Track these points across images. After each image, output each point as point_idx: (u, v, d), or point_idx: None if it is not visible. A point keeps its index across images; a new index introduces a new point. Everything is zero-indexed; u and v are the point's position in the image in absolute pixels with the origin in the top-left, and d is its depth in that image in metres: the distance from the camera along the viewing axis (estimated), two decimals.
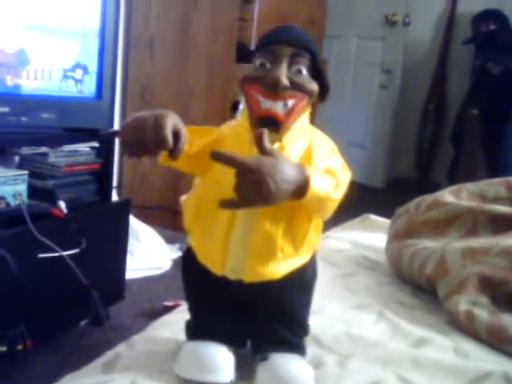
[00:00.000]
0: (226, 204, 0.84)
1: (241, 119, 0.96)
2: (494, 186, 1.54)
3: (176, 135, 0.85)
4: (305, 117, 0.96)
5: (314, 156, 0.93)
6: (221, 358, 0.96)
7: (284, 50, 0.91)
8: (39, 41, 1.75)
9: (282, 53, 0.91)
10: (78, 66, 1.86)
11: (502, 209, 1.46)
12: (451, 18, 4.85)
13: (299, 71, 0.91)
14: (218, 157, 0.85)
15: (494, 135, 4.04)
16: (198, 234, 0.99)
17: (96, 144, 1.95)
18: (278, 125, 0.90)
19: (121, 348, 1.07)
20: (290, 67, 0.91)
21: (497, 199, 1.50)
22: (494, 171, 3.64)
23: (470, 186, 1.57)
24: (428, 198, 1.58)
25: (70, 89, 1.85)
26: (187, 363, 0.97)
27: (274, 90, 0.89)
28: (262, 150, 0.84)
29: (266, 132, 0.85)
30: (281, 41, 0.92)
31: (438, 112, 4.89)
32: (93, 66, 1.90)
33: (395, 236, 1.59)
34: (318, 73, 0.94)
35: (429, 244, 1.46)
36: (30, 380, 1.63)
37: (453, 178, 4.10)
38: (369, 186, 4.98)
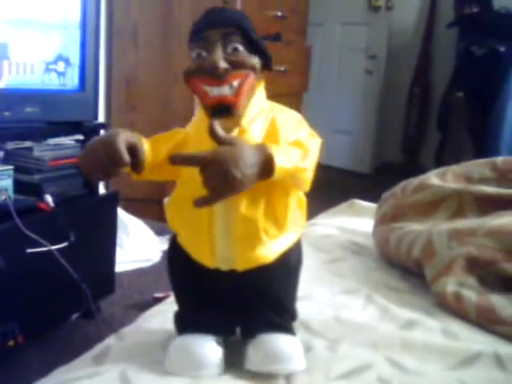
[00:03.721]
0: (200, 202, 0.84)
1: (198, 113, 0.96)
2: (478, 166, 1.55)
3: (132, 149, 0.86)
4: (260, 94, 0.96)
5: (280, 132, 0.93)
6: (209, 353, 0.96)
7: (214, 33, 0.90)
8: (20, 35, 1.73)
9: (213, 37, 0.90)
10: (60, 58, 1.84)
11: (488, 189, 1.46)
12: (434, 0, 4.84)
13: (235, 49, 0.91)
14: (176, 160, 0.86)
15: (480, 117, 4.05)
16: (183, 233, 0.99)
17: (81, 137, 1.94)
18: (229, 109, 0.90)
19: (110, 340, 1.07)
20: (225, 48, 0.90)
21: (482, 180, 1.51)
22: (481, 153, 3.65)
23: (456, 168, 1.58)
24: (414, 181, 1.58)
25: (52, 82, 1.84)
26: (176, 359, 0.97)
27: (215, 75, 0.89)
28: (218, 141, 0.84)
29: (216, 122, 0.84)
30: (209, 25, 0.91)
31: (424, 96, 4.90)
32: (75, 59, 1.88)
33: (382, 220, 1.59)
34: (255, 46, 0.93)
35: (415, 227, 1.46)
36: (23, 376, 1.62)
37: (440, 162, 4.11)
38: (356, 171, 4.99)
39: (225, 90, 0.89)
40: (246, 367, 0.96)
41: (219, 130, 0.84)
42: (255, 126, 0.93)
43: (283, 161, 0.85)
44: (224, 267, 0.96)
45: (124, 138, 0.85)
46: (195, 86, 0.91)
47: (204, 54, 0.91)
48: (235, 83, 0.90)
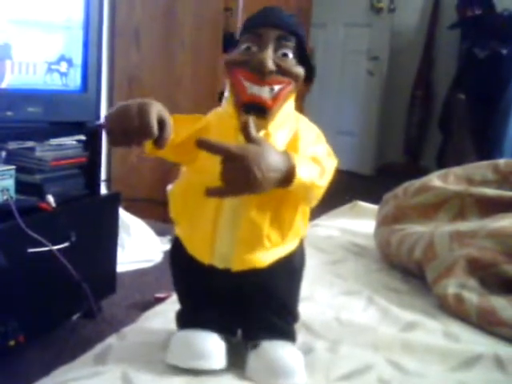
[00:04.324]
0: (212, 192, 0.84)
1: (226, 106, 0.96)
2: (480, 169, 1.55)
3: (161, 124, 0.84)
4: (290, 103, 0.96)
5: (300, 143, 0.93)
6: (212, 345, 0.96)
7: (270, 33, 0.90)
8: (23, 35, 1.73)
9: (269, 36, 0.90)
10: (62, 58, 1.85)
11: (489, 192, 1.47)
12: (436, 2, 4.85)
13: (285, 55, 0.91)
14: (203, 144, 0.84)
15: (481, 119, 4.05)
16: (185, 223, 0.99)
17: (83, 137, 1.94)
18: (264, 110, 0.90)
19: (112, 340, 1.07)
20: (275, 51, 0.90)
21: (484, 182, 1.51)
22: (483, 155, 3.65)
23: (457, 170, 1.58)
24: (415, 183, 1.58)
25: (55, 82, 1.84)
26: (178, 351, 0.97)
27: (260, 73, 0.89)
28: (248, 138, 0.84)
29: (251, 120, 0.84)
30: (267, 23, 0.91)
31: (426, 97, 4.90)
32: (77, 59, 1.89)
33: (384, 221, 1.59)
34: (304, 57, 0.93)
35: (417, 228, 1.46)
36: (24, 375, 1.62)
37: (442, 164, 4.11)
38: (358, 173, 4.99)
39: (264, 92, 0.90)
40: (248, 377, 0.96)
41: (252, 127, 0.84)
42: (280, 133, 0.93)
43: (304, 174, 0.85)
44: (219, 265, 0.96)
45: (157, 110, 0.83)
46: (236, 77, 0.91)
47: (254, 49, 0.90)
48: (276, 87, 0.90)
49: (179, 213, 0.99)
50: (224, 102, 0.97)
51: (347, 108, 5.16)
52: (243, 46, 0.92)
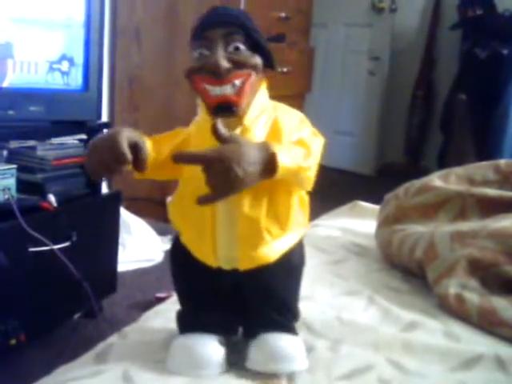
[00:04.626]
0: (202, 200, 0.84)
1: (201, 112, 0.96)
2: (481, 169, 1.55)
3: (135, 148, 0.87)
4: (263, 93, 0.96)
5: (283, 129, 0.93)
6: (211, 352, 0.97)
7: (215, 32, 0.90)
8: (25, 33, 1.73)
9: (215, 36, 0.90)
10: (64, 58, 1.85)
11: (490, 192, 1.46)
12: (438, 2, 4.84)
13: (237, 49, 0.91)
14: (179, 159, 0.86)
15: (482, 120, 4.05)
16: (186, 232, 1.00)
17: (84, 136, 1.94)
18: (232, 108, 0.90)
19: (113, 339, 1.08)
20: (227, 47, 0.90)
21: (485, 182, 1.51)
22: (483, 155, 3.65)
23: (458, 170, 1.58)
24: (416, 183, 1.58)
25: (56, 81, 1.84)
26: (178, 358, 0.97)
27: (216, 74, 0.89)
28: (221, 139, 0.84)
29: (219, 121, 0.85)
30: (211, 24, 0.91)
31: (427, 98, 4.89)
32: (79, 58, 1.89)
33: (385, 221, 1.59)
34: (257, 45, 0.93)
35: (418, 229, 1.46)
36: (25, 374, 1.62)
37: (442, 164, 4.10)
38: (358, 173, 4.99)
39: (227, 90, 0.90)
40: (248, 367, 0.97)
41: (222, 128, 0.84)
42: (258, 125, 0.93)
43: (286, 159, 0.85)
44: (226, 267, 0.96)
45: (126, 136, 0.86)
46: (197, 84, 0.92)
47: (206, 52, 0.91)
48: (237, 82, 0.90)
49: (179, 223, 1.00)
50: (198, 109, 0.98)
51: (348, 108, 5.16)
52: (196, 53, 0.92)
